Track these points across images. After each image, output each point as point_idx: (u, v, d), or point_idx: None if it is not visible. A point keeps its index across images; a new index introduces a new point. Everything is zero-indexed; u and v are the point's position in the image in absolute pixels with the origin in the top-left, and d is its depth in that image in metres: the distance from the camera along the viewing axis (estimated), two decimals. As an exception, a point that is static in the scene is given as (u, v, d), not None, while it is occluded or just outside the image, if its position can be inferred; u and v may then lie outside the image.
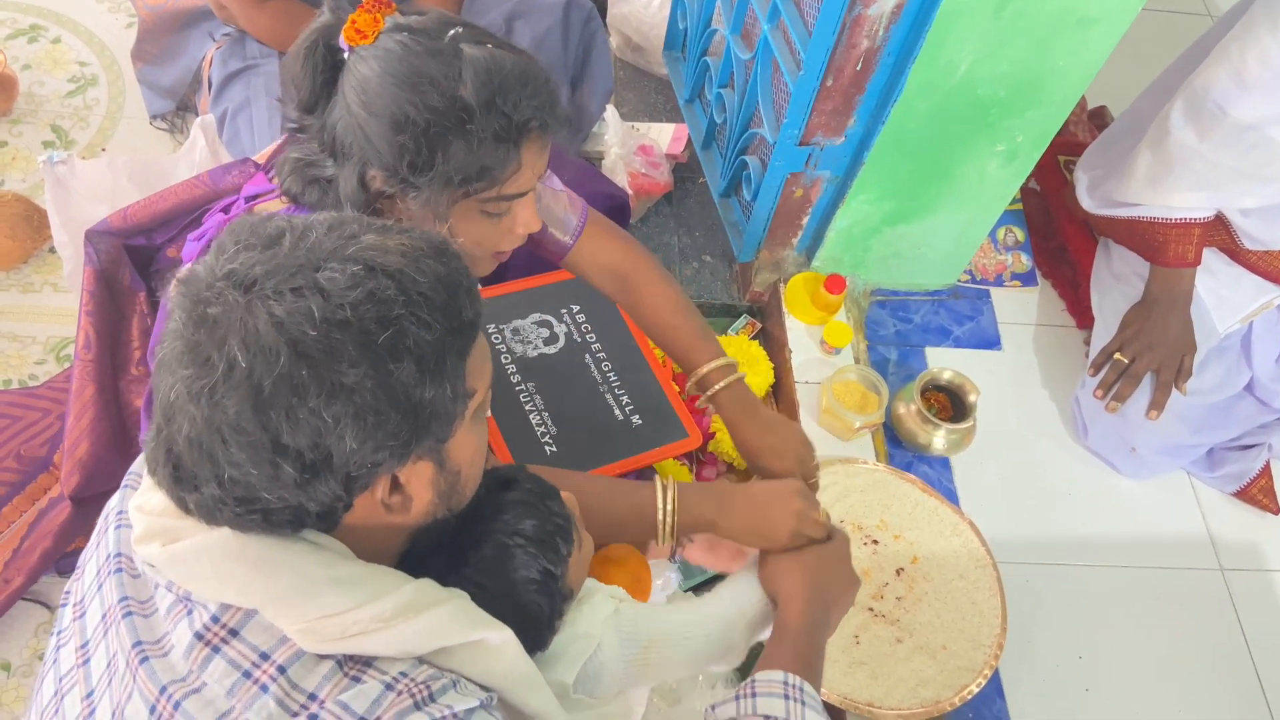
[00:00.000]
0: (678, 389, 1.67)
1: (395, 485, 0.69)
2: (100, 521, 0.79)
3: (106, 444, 1.31)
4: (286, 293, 0.61)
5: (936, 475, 1.65)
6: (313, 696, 0.64)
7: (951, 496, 1.63)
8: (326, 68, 0.93)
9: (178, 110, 1.90)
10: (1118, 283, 1.72)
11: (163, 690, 0.66)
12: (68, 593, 0.81)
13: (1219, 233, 1.61)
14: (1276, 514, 1.69)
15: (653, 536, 1.05)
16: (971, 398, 1.62)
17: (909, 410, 1.63)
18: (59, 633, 0.80)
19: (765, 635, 0.98)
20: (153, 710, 0.66)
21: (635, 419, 1.46)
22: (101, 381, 1.33)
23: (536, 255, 1.28)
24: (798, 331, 1.74)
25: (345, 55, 0.93)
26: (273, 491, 0.64)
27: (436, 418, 0.66)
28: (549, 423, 1.42)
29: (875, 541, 1.47)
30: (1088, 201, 1.72)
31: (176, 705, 0.65)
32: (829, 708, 1.43)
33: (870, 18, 1.32)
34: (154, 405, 0.65)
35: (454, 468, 0.72)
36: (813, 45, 1.37)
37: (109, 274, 1.33)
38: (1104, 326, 1.71)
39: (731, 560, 1.10)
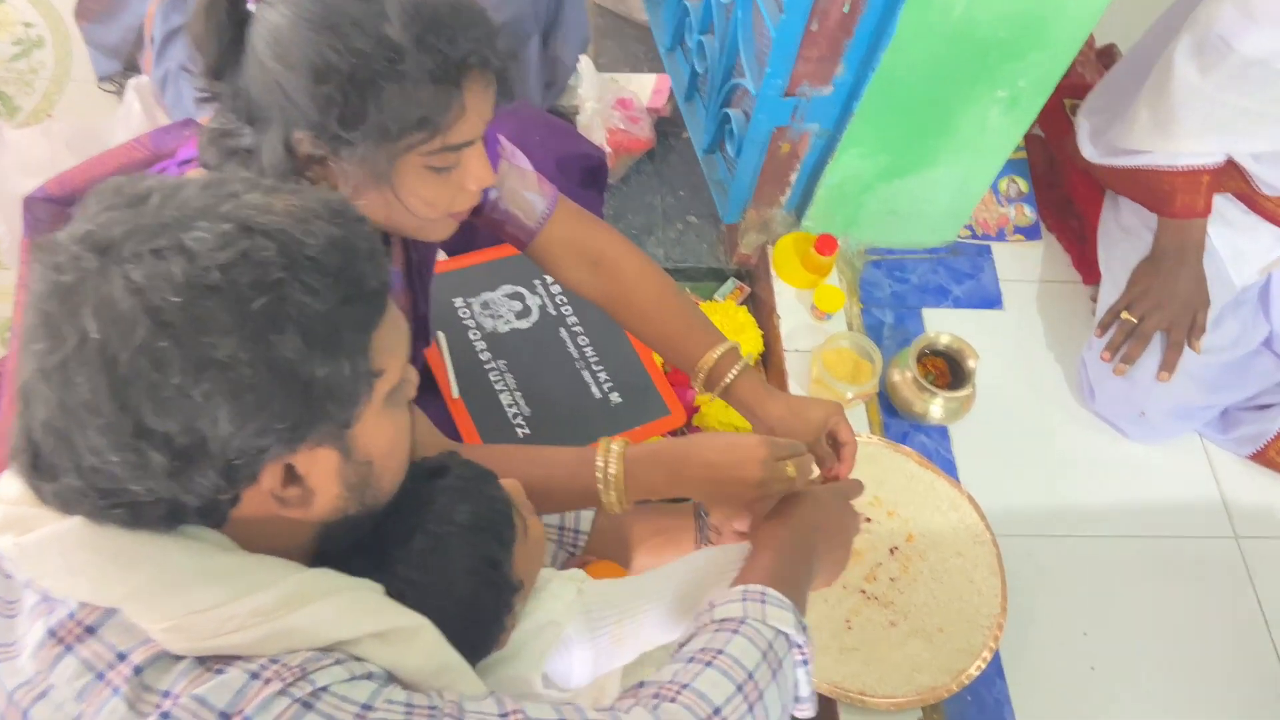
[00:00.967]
0: (660, 363, 1.58)
1: (292, 476, 0.61)
2: None
3: None
4: (146, 255, 0.54)
5: (934, 445, 1.57)
6: (166, 694, 0.57)
7: (950, 467, 1.55)
8: (232, 24, 0.83)
9: (125, 71, 1.79)
10: (1126, 235, 1.62)
11: (10, 696, 0.60)
12: None
13: (1233, 179, 1.51)
14: (1295, 477, 1.61)
15: (595, 504, 0.96)
16: (970, 363, 1.53)
17: (904, 378, 1.54)
18: None
19: None
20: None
21: (614, 396, 1.38)
22: None
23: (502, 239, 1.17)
24: (787, 296, 1.65)
25: (250, 6, 0.82)
26: (140, 482, 0.57)
27: (332, 398, 0.59)
28: (521, 403, 1.34)
29: (868, 519, 1.39)
30: (1090, 150, 1.62)
31: (25, 714, 0.59)
32: (820, 698, 1.36)
33: (856, -46, 1.21)
34: (15, 387, 0.58)
35: (363, 458, 0.64)
36: (795, -14, 1.26)
37: None
38: (1112, 283, 1.62)
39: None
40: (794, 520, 0.89)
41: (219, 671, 0.58)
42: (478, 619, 0.76)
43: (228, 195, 0.58)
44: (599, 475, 0.94)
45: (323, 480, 0.63)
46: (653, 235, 1.79)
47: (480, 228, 1.14)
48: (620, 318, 1.18)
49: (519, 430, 1.31)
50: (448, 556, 0.74)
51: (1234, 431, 1.63)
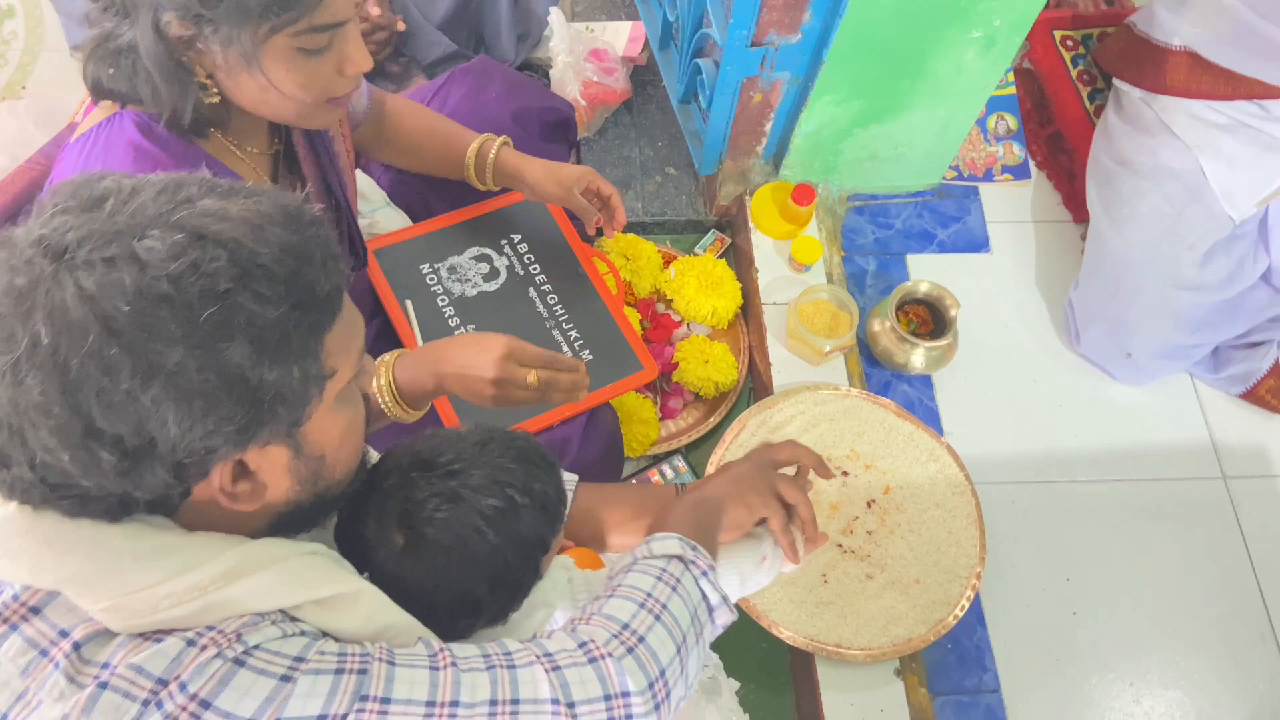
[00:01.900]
0: (636, 321, 1.57)
1: (244, 471, 0.63)
2: None
3: None
4: (98, 263, 0.55)
5: (917, 394, 1.56)
6: (105, 665, 0.59)
7: (933, 415, 1.54)
8: None
9: (95, 41, 1.77)
10: (1120, 169, 1.57)
11: None
12: None
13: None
14: (1287, 415, 1.59)
15: (384, 418, 1.05)
16: (952, 311, 1.51)
17: (884, 328, 1.52)
18: None
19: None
20: None
21: (586, 354, 1.37)
22: None
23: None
24: (765, 248, 1.63)
25: None
26: (90, 479, 0.58)
27: (282, 401, 0.60)
28: (491, 368, 1.33)
29: (845, 473, 1.39)
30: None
31: None
32: (794, 651, 1.38)
33: (813, -104, 1.16)
34: None
35: (315, 453, 0.66)
36: (753, -68, 1.22)
37: None
38: (1104, 219, 1.57)
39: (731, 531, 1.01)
40: (706, 488, 0.93)
41: (157, 640, 0.59)
42: (516, 589, 0.80)
43: (183, 201, 0.58)
44: (374, 387, 1.00)
45: (273, 475, 0.64)
46: (631, 188, 1.77)
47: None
48: (403, 160, 1.36)
49: (490, 396, 1.31)
50: (519, 522, 0.77)
51: (1225, 370, 1.60)
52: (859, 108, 1.51)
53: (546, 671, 0.68)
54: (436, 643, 0.68)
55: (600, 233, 1.37)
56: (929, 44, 1.39)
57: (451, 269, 1.40)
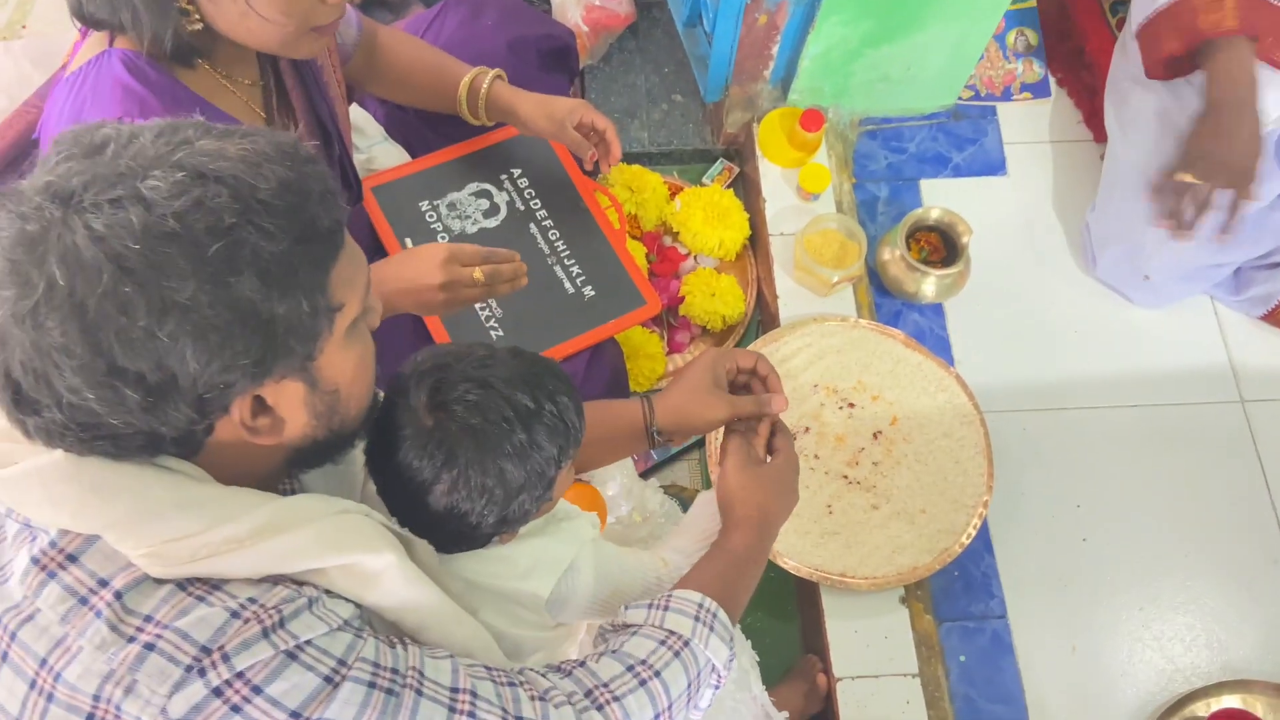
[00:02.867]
0: (641, 255, 1.56)
1: (262, 407, 0.65)
2: None
3: None
4: (105, 205, 0.56)
5: (928, 323, 1.54)
6: (149, 619, 0.61)
7: (944, 345, 1.52)
8: None
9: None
10: (1136, 86, 1.51)
11: None
12: None
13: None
14: (1309, 337, 1.55)
15: None
16: (964, 238, 1.48)
17: (894, 257, 1.50)
18: None
19: None
20: None
21: (588, 290, 1.36)
22: None
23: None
24: (773, 177, 1.60)
25: None
26: (117, 416, 0.60)
27: (294, 334, 0.62)
28: (494, 305, 1.33)
29: (851, 405, 1.39)
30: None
31: (13, 636, 0.63)
32: (800, 581, 1.39)
33: None
34: None
35: (329, 387, 0.67)
36: None
37: None
38: (1121, 139, 1.52)
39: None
40: (758, 520, 0.91)
41: (200, 599, 0.62)
42: (519, 501, 0.79)
43: (181, 143, 0.59)
44: None
45: (291, 409, 0.66)
46: (636, 118, 1.73)
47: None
48: (395, 93, 1.35)
49: (492, 332, 1.31)
50: (541, 426, 0.78)
51: (1246, 292, 1.57)
52: (869, 27, 1.46)
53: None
54: (463, 675, 0.70)
55: (599, 167, 1.35)
56: (939, -42, 1.34)
57: (451, 205, 1.38)
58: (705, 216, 1.57)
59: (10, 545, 0.65)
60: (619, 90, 1.75)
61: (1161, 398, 1.52)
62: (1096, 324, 1.57)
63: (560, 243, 1.39)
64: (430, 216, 1.37)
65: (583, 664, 0.77)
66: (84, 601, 0.61)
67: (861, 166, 1.66)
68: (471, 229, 1.38)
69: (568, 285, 1.37)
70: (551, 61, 1.46)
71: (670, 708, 0.77)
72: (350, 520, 0.69)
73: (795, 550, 1.30)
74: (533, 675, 0.75)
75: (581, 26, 1.67)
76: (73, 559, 0.63)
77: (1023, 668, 1.33)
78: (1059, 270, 1.61)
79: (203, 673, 0.59)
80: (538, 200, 1.42)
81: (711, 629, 0.80)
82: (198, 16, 0.92)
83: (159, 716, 0.58)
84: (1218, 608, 1.38)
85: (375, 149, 1.42)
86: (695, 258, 1.62)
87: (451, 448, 0.76)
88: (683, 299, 1.55)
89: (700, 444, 1.52)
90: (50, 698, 0.61)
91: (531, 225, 1.40)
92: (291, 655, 0.61)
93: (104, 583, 0.62)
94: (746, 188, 1.68)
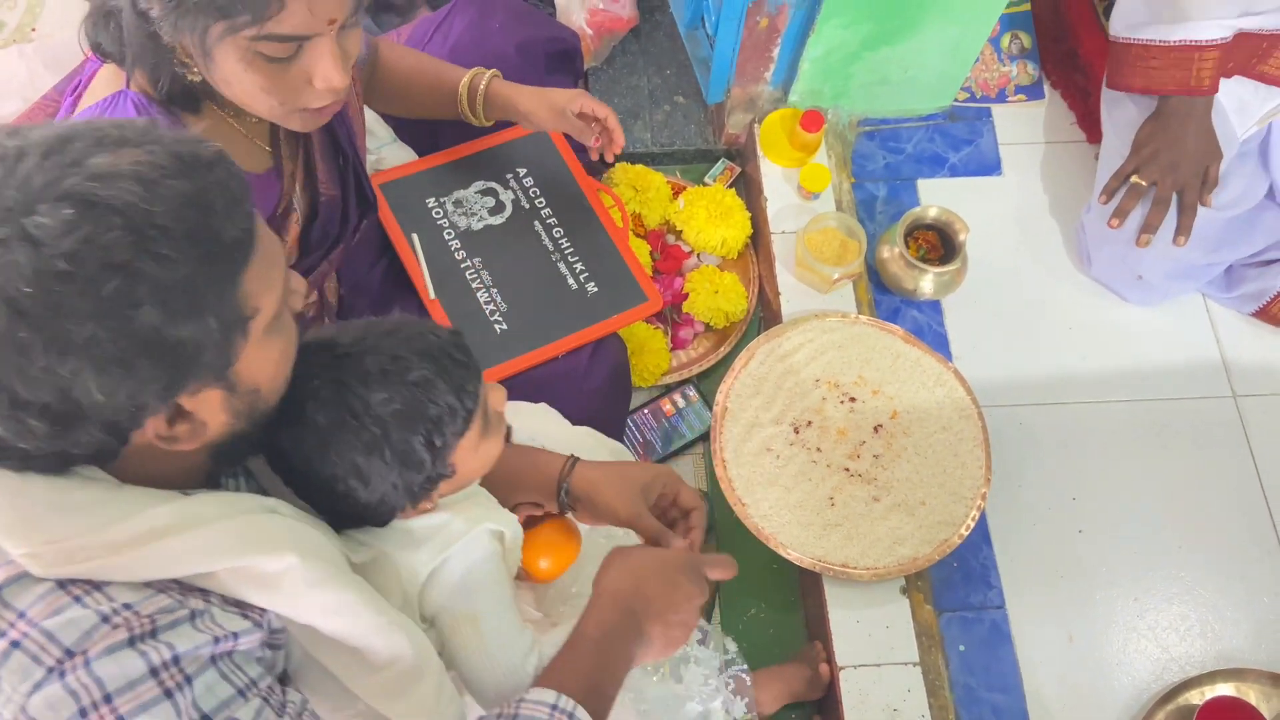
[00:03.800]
0: (645, 253, 1.58)
1: (180, 414, 0.64)
2: None
3: None
4: None
5: (926, 320, 1.57)
6: (21, 615, 0.60)
7: (942, 341, 1.55)
8: None
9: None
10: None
11: None
12: None
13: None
14: (1299, 333, 1.58)
15: None
16: (961, 236, 1.51)
17: (893, 254, 1.53)
18: None
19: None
20: None
21: (591, 286, 1.39)
22: None
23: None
24: (774, 176, 1.62)
25: None
26: (25, 441, 0.59)
27: (203, 352, 0.61)
28: (498, 299, 1.35)
29: (852, 399, 1.41)
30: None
31: None
32: (803, 572, 1.42)
33: None
34: None
35: (249, 387, 0.67)
36: None
37: None
38: (1115, 139, 1.56)
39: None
40: (630, 600, 0.85)
41: (76, 599, 0.61)
42: (384, 492, 0.78)
43: (70, 165, 0.56)
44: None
45: (211, 413, 0.65)
46: (639, 119, 1.76)
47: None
48: (396, 105, 1.36)
49: (497, 328, 1.33)
50: (393, 421, 0.76)
51: (1237, 289, 1.60)
52: (868, 30, 1.49)
53: None
54: None
55: (605, 163, 1.37)
56: (937, -38, 1.37)
57: (457, 203, 1.41)
58: (708, 215, 1.60)
59: None
60: (622, 91, 1.78)
61: (1155, 392, 1.55)
62: (1091, 320, 1.60)
63: (564, 240, 1.42)
64: (437, 213, 1.40)
65: None
66: None
67: (860, 166, 1.69)
68: (477, 226, 1.40)
69: (571, 281, 1.39)
70: (557, 63, 1.49)
71: None
72: (250, 521, 0.68)
73: (798, 541, 1.32)
74: None
75: (585, 29, 1.70)
76: None
77: (1021, 657, 1.35)
78: (1054, 268, 1.64)
79: (62, 675, 0.59)
80: (542, 199, 1.44)
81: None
82: (196, 69, 0.91)
83: (19, 714, 0.59)
84: (1211, 598, 1.41)
85: (385, 150, 1.45)
86: (698, 256, 1.65)
87: (310, 442, 0.75)
88: (686, 296, 1.57)
89: (705, 437, 1.54)
90: None
91: (536, 223, 1.42)
92: (154, 672, 0.61)
93: None
94: (748, 187, 1.71)
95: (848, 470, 1.37)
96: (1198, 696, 1.31)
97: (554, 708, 0.75)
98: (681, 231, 1.64)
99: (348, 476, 0.76)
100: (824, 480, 1.36)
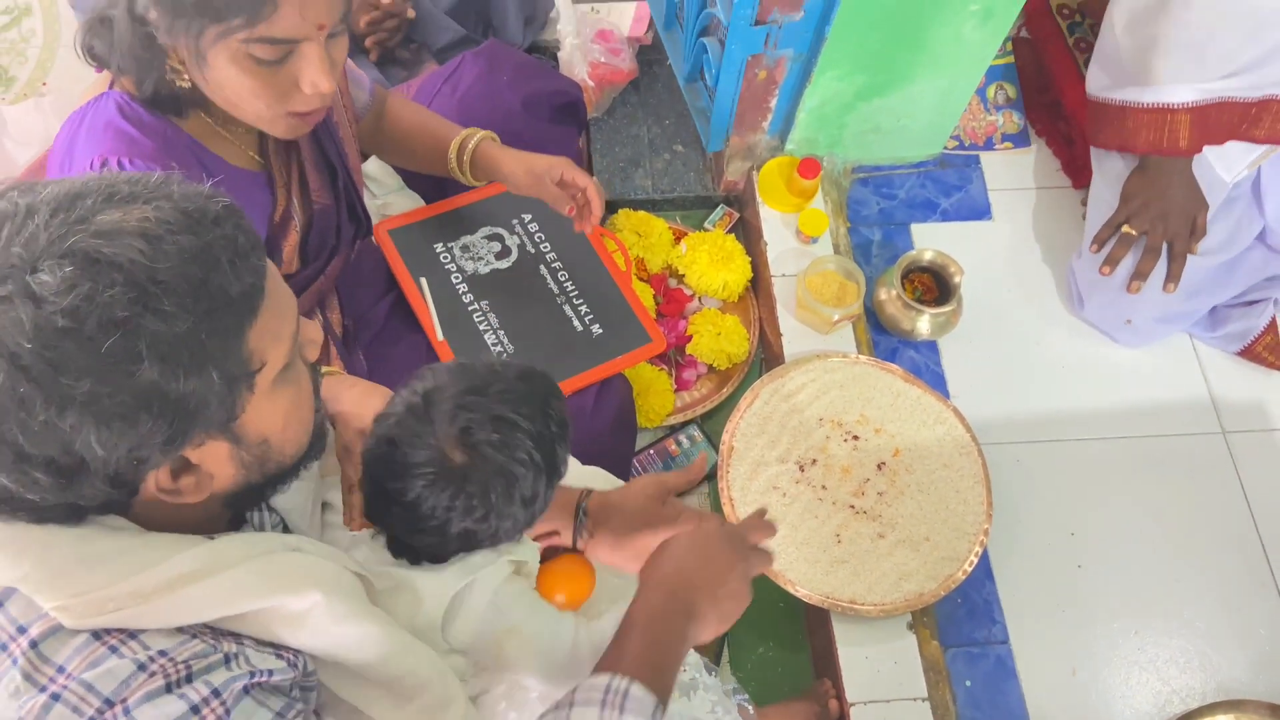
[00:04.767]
0: (649, 296, 1.62)
1: (186, 466, 0.65)
2: None
3: None
4: None
5: (924, 360, 1.60)
6: (61, 669, 0.61)
7: (940, 380, 1.59)
8: None
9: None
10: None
11: None
12: None
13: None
14: (1284, 370, 1.63)
15: None
16: (956, 278, 1.55)
17: (890, 296, 1.57)
18: None
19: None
20: None
21: (595, 328, 1.42)
22: None
23: None
24: (773, 222, 1.67)
25: None
26: (33, 493, 0.60)
27: (206, 406, 0.61)
28: (505, 341, 1.38)
29: (856, 437, 1.44)
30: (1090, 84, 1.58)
31: None
32: (810, 608, 1.43)
33: (813, -123, 1.20)
34: None
35: (256, 440, 0.67)
36: (754, -87, 1.25)
37: None
38: (1104, 188, 1.61)
39: (634, 560, 0.98)
40: (673, 580, 0.86)
41: (113, 649, 0.62)
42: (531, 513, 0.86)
43: (76, 221, 0.57)
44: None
45: (218, 465, 0.66)
46: (640, 166, 1.81)
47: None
48: (399, 159, 1.41)
49: (509, 370, 1.36)
50: (555, 454, 0.84)
51: (1222, 329, 1.64)
52: (861, 82, 1.55)
53: None
54: None
55: (607, 209, 1.40)
56: (928, 18, 1.43)
57: (465, 248, 1.44)
58: (710, 259, 1.64)
59: None
60: (623, 141, 1.82)
61: (1147, 430, 1.59)
62: (1083, 360, 1.64)
63: (569, 283, 1.45)
64: (445, 258, 1.43)
65: None
66: (3, 647, 0.63)
67: (855, 211, 1.74)
68: (484, 270, 1.44)
69: (576, 323, 1.42)
70: (562, 114, 1.54)
71: None
72: (273, 560, 0.69)
73: (806, 578, 1.34)
74: None
75: (588, 81, 1.75)
76: None
77: (1026, 691, 1.37)
78: (1046, 309, 1.68)
79: None
80: (547, 244, 1.48)
81: (621, 709, 0.75)
82: (187, 76, 0.95)
83: None
84: (1210, 630, 1.43)
85: (391, 197, 1.48)
86: (700, 299, 1.69)
87: (485, 486, 0.80)
88: (689, 338, 1.61)
89: (710, 476, 1.57)
90: None
91: (542, 267, 1.46)
92: (195, 710, 0.62)
93: (22, 629, 0.63)
94: (747, 232, 1.75)
95: (853, 507, 1.40)
96: (1200, 728, 1.33)
97: (607, 689, 0.75)
98: (684, 275, 1.68)
99: (507, 515, 0.83)
100: (830, 517, 1.38)
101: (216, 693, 0.63)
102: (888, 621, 1.36)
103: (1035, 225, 1.77)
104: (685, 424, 1.60)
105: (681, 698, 1.09)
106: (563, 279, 1.45)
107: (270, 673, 0.67)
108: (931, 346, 1.61)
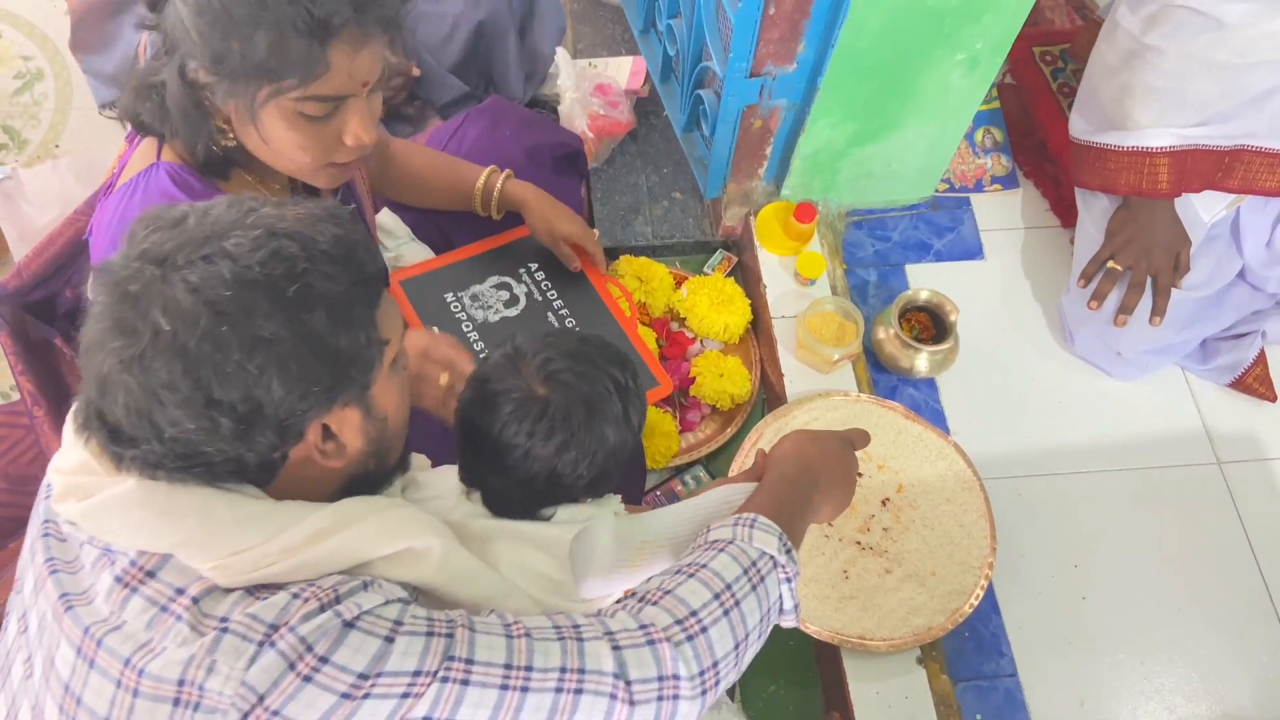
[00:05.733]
0: (652, 340, 1.65)
1: (328, 434, 0.75)
2: (29, 530, 0.82)
3: None
4: (198, 261, 0.67)
5: (923, 397, 1.64)
6: (224, 619, 0.68)
7: (939, 417, 1.62)
8: None
9: (124, 98, 1.86)
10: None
11: (86, 631, 0.71)
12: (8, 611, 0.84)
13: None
14: (1274, 401, 1.66)
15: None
16: (952, 317, 1.59)
17: (888, 335, 1.60)
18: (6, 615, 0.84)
19: None
20: (79, 652, 0.70)
21: (606, 374, 1.45)
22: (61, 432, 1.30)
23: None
24: (771, 265, 1.71)
25: None
26: (212, 444, 0.69)
27: (355, 363, 0.73)
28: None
29: (859, 474, 1.46)
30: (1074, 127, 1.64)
31: (99, 643, 0.70)
32: (820, 645, 1.45)
33: (804, -61, 1.25)
34: (84, 383, 0.70)
35: (380, 414, 0.78)
36: (748, -27, 1.31)
37: (20, 332, 1.27)
38: (1090, 225, 1.66)
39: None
40: (795, 459, 0.97)
41: (264, 598, 0.69)
42: (614, 464, 0.94)
43: (249, 210, 0.71)
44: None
45: (351, 435, 0.76)
46: (640, 214, 1.85)
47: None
48: (410, 195, 1.48)
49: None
50: (629, 400, 0.93)
51: (1212, 361, 1.68)
52: (854, 129, 1.60)
53: (610, 649, 0.75)
54: (510, 615, 0.77)
55: (609, 255, 1.47)
56: (916, 68, 1.48)
57: (474, 297, 1.48)
58: (710, 302, 1.68)
59: (90, 571, 0.74)
60: (623, 189, 1.87)
61: (1144, 461, 1.62)
62: (1079, 394, 1.67)
63: (576, 329, 1.48)
64: (455, 307, 1.46)
65: (668, 592, 0.80)
66: (165, 609, 0.69)
67: (850, 254, 1.79)
68: (494, 318, 1.47)
69: (588, 369, 1.45)
70: (564, 165, 1.59)
71: (729, 589, 0.81)
72: (392, 514, 0.78)
73: (816, 615, 1.36)
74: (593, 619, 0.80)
75: (588, 133, 1.80)
76: (151, 575, 0.71)
77: (1036, 723, 1.39)
78: (1040, 346, 1.72)
79: (274, 644, 0.66)
80: (554, 291, 1.52)
81: (753, 527, 0.86)
82: (232, 134, 1.01)
83: (240, 688, 0.65)
84: (1212, 658, 1.45)
85: (403, 248, 1.52)
86: (702, 341, 1.72)
87: (567, 412, 0.88)
88: (693, 380, 1.64)
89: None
90: (136, 693, 0.67)
91: (549, 314, 1.49)
92: (350, 625, 0.68)
93: (181, 591, 0.70)
94: (745, 275, 1.79)
95: (859, 544, 1.42)
96: (1209, 756, 1.34)
97: (737, 518, 0.87)
98: (685, 319, 1.72)
99: (588, 451, 0.91)
100: (837, 554, 1.41)
101: (369, 611, 0.70)
102: (897, 656, 1.38)
103: (1026, 264, 1.81)
104: (691, 464, 1.63)
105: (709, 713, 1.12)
106: (570, 325, 1.49)
107: (399, 598, 0.74)
108: (930, 384, 1.65)
